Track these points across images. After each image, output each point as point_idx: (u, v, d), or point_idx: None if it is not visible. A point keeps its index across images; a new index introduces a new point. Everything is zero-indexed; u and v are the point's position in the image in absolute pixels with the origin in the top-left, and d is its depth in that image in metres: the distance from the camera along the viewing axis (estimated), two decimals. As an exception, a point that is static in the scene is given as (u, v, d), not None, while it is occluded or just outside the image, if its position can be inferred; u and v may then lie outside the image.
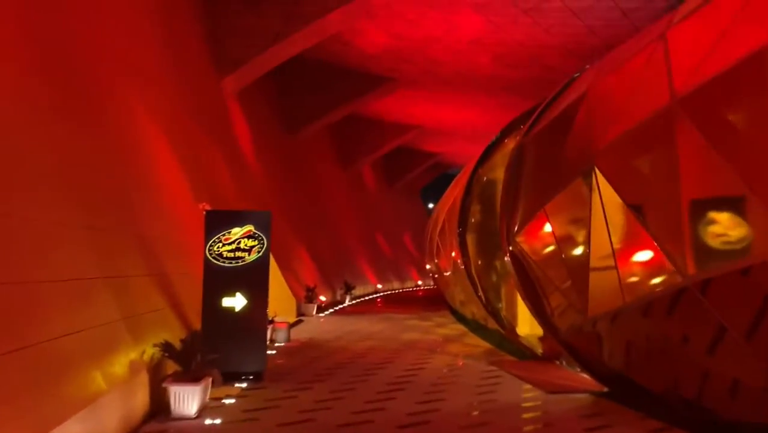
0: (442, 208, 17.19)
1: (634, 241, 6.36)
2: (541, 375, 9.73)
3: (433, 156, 41.96)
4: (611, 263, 6.43)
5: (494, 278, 12.45)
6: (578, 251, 7.22)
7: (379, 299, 28.80)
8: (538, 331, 11.64)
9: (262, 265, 9.42)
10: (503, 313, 12.24)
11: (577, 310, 7.29)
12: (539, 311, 8.34)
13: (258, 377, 9.29)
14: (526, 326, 12.36)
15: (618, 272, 6.35)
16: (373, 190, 39.91)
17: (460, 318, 17.74)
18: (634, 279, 6.42)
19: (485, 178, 12.82)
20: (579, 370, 9.76)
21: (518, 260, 8.47)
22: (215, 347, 8.86)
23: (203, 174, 14.71)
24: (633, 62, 7.00)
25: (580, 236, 7.06)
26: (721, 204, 5.66)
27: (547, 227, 7.73)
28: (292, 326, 16.34)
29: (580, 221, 7.00)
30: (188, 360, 7.44)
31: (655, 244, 5.97)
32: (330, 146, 32.49)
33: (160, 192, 10.91)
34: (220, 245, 9.37)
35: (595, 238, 6.53)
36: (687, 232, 5.67)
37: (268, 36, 18.87)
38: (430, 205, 55.90)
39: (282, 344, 13.20)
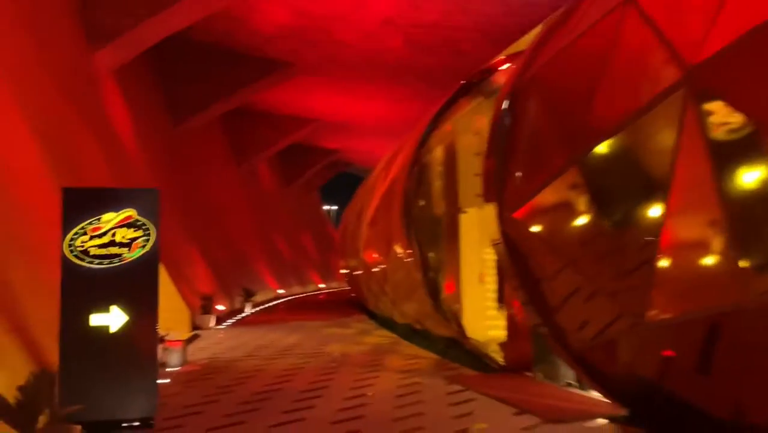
0: (367, 200, 14.75)
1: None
2: (522, 393, 7.54)
3: (333, 153, 39.44)
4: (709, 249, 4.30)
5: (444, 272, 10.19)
6: (634, 229, 5.02)
7: (283, 305, 25.89)
8: (499, 334, 9.49)
9: (148, 264, 6.56)
10: (457, 314, 10.01)
11: (622, 310, 5.10)
12: (540, 310, 6.10)
13: (146, 425, 6.42)
14: (484, 329, 10.19)
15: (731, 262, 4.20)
16: (270, 188, 36.78)
17: (385, 323, 15.38)
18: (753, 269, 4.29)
19: (426, 161, 10.53)
20: (570, 383, 7.65)
21: (514, 244, 6.20)
22: (80, 390, 5.96)
23: (68, 156, 11.40)
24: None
25: (644, 209, 4.88)
26: None
27: (573, 197, 5.51)
28: (187, 342, 13.28)
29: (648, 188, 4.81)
30: (29, 419, 4.53)
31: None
32: (222, 140, 29.14)
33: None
34: (86, 238, 6.41)
35: (674, 209, 4.36)
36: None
37: (146, 5, 15.71)
38: (329, 207, 53.32)
39: (177, 369, 10.23)
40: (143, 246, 6.53)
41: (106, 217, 6.48)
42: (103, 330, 6.33)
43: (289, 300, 29.02)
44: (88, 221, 6.41)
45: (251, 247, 29.45)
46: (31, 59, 10.98)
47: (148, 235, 6.55)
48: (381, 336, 13.88)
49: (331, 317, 19.27)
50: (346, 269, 19.84)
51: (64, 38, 13.61)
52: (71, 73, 13.72)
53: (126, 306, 6.42)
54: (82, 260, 6.35)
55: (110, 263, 6.42)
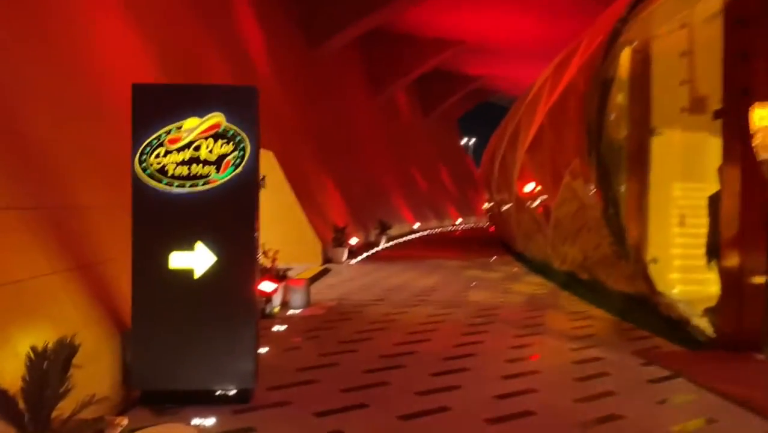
0: (525, 121, 12.22)
1: None
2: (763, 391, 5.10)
3: (475, 80, 36.40)
4: None
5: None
6: None
7: (419, 240, 24.27)
8: (706, 295, 6.96)
9: (243, 188, 4.79)
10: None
11: None
12: None
13: (242, 399, 4.81)
14: (684, 286, 7.67)
15: None
16: (407, 118, 34.80)
17: (535, 267, 13.08)
18: None
19: (613, 68, 7.82)
20: None
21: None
22: (156, 352, 4.45)
23: (189, 71, 10.04)
24: None
25: None
26: None
27: None
28: (315, 278, 11.92)
29: None
30: (36, 415, 2.94)
31: None
32: (359, 66, 27.36)
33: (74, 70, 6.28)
34: (162, 151, 4.73)
35: None
36: None
37: None
38: (467, 139, 50.55)
39: (298, 311, 8.77)
40: (236, 165, 4.75)
41: (188, 123, 4.74)
42: (184, 274, 4.71)
43: (425, 235, 27.38)
44: (166, 128, 4.72)
45: (387, 179, 27.91)
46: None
47: (243, 150, 4.76)
48: (533, 283, 11.64)
49: (471, 256, 17.25)
50: (490, 202, 17.54)
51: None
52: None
53: (215, 243, 4.74)
54: (159, 180, 4.71)
55: (193, 185, 4.73)
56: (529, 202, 11.18)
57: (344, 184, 20.54)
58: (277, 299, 8.75)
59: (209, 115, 4.75)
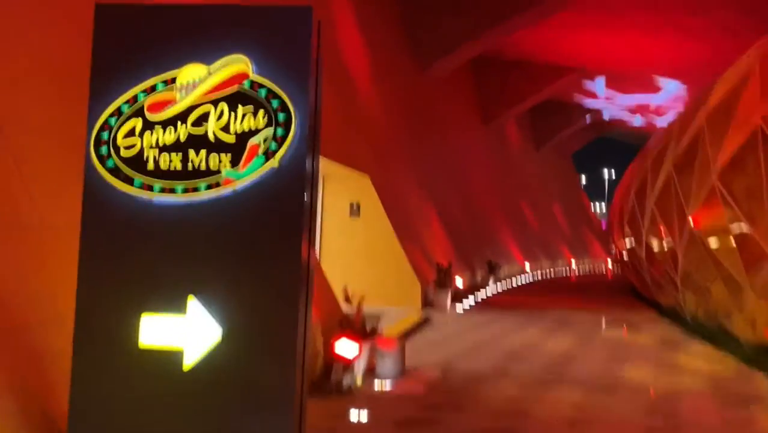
0: (679, 142, 9.30)
1: None
2: None
3: (593, 112, 33.12)
4: None
5: None
6: None
7: (533, 284, 21.25)
8: None
9: (284, 200, 2.48)
10: None
11: None
12: None
13: None
14: None
15: None
16: (518, 150, 31.95)
17: (702, 329, 9.88)
18: None
19: None
20: None
21: None
22: None
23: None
24: None
25: None
26: None
27: None
28: (411, 332, 9.47)
29: None
30: None
31: None
32: (469, 93, 25.08)
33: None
34: (137, 125, 2.52)
35: None
36: None
37: None
38: (583, 177, 46.72)
39: (388, 385, 6.33)
40: (268, 153, 2.46)
41: (186, 72, 2.53)
42: (166, 359, 2.45)
43: (538, 278, 24.25)
44: (147, 82, 2.53)
45: (496, 214, 25.16)
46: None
47: (286, 125, 2.46)
48: (704, 356, 8.51)
49: (600, 306, 14.13)
50: (625, 246, 14.45)
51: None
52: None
53: (223, 302, 2.45)
54: (130, 179, 2.50)
55: (191, 190, 2.49)
56: (712, 240, 8.11)
57: (449, 218, 18.08)
58: (360, 365, 6.37)
59: (224, 59, 2.50)
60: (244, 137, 2.46)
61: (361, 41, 14.32)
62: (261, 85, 2.47)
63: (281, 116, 2.46)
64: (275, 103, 2.46)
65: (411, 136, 17.41)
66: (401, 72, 17.78)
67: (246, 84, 2.48)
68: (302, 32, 2.53)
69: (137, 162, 2.48)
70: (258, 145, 2.45)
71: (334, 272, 12.22)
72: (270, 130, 2.45)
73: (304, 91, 2.48)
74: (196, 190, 2.47)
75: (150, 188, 2.48)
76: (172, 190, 2.47)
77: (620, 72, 26.24)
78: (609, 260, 30.16)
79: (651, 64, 24.57)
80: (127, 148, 2.49)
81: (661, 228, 10.31)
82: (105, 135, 2.50)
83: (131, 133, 2.49)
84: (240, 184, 2.45)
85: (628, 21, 20.38)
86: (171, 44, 2.52)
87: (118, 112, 2.51)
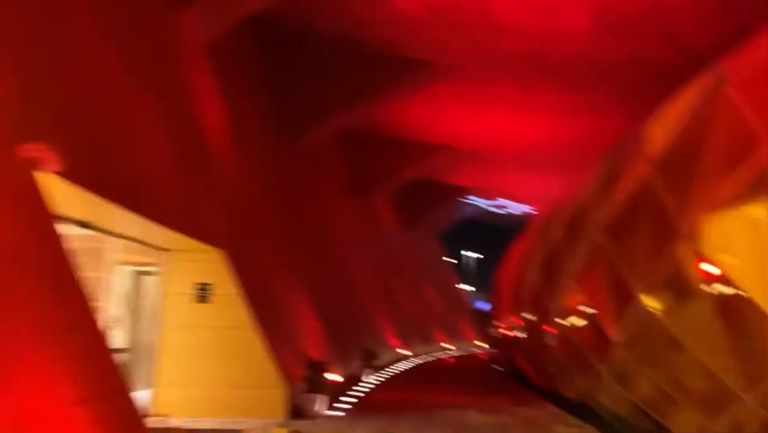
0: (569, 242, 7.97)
1: None
2: None
3: (462, 191, 32.99)
4: None
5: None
6: None
7: (412, 372, 19.30)
8: None
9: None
10: None
11: None
12: None
13: None
14: None
15: None
16: (389, 230, 30.74)
17: (589, 417, 8.29)
18: None
19: None
20: None
21: None
22: None
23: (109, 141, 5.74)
24: None
25: None
26: None
27: None
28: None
29: None
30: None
31: None
32: (341, 165, 23.59)
33: None
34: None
35: None
36: None
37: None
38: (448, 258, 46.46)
39: None
40: None
41: None
42: None
43: (416, 365, 22.36)
44: None
45: (372, 297, 23.29)
46: None
47: None
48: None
49: (492, 399, 12.41)
50: (516, 329, 12.96)
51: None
52: (151, 36, 8.40)
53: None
54: None
55: None
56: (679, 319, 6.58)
57: (323, 301, 15.84)
58: None
59: None
60: None
61: (222, 106, 12.20)
62: None
63: None
64: None
65: (281, 210, 15.28)
66: (268, 140, 15.83)
67: None
68: None
69: None
70: None
71: (170, 373, 9.52)
72: None
73: None
74: None
75: None
76: None
77: (489, 152, 26.02)
78: (485, 343, 29.16)
79: (520, 145, 24.54)
80: None
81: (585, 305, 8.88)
82: None
83: None
84: None
85: (496, 95, 20.03)
86: None
87: None
